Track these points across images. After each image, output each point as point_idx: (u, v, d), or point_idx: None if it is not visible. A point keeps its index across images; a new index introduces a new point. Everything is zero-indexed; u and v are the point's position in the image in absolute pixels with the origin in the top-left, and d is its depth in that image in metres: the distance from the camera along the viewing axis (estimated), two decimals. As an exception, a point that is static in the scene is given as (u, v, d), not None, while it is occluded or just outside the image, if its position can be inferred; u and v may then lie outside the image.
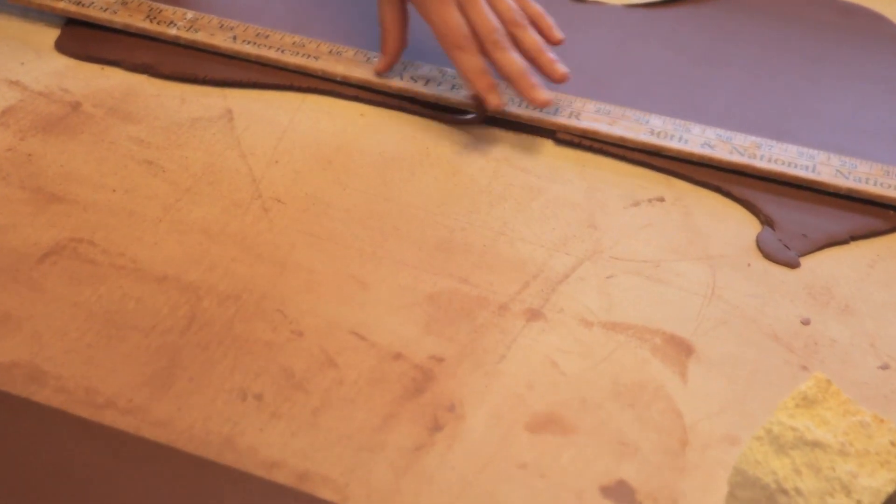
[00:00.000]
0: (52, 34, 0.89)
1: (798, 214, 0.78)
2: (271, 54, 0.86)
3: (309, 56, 0.85)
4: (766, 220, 0.78)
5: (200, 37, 0.87)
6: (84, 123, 0.81)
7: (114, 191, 0.76)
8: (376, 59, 0.85)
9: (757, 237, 0.76)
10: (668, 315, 0.71)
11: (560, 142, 0.83)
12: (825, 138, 0.84)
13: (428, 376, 0.67)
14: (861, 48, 0.93)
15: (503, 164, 0.81)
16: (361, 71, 0.85)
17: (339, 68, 0.85)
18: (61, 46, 0.88)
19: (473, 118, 0.82)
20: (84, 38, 0.87)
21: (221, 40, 0.86)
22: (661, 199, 0.79)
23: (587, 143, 0.82)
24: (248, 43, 0.86)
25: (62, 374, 0.65)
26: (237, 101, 0.84)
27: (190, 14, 0.88)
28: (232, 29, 0.87)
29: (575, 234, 0.76)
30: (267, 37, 0.87)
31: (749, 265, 0.75)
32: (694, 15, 0.95)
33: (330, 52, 0.86)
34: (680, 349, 0.69)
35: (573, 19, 0.93)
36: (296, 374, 0.66)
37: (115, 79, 0.85)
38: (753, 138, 0.82)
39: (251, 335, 0.68)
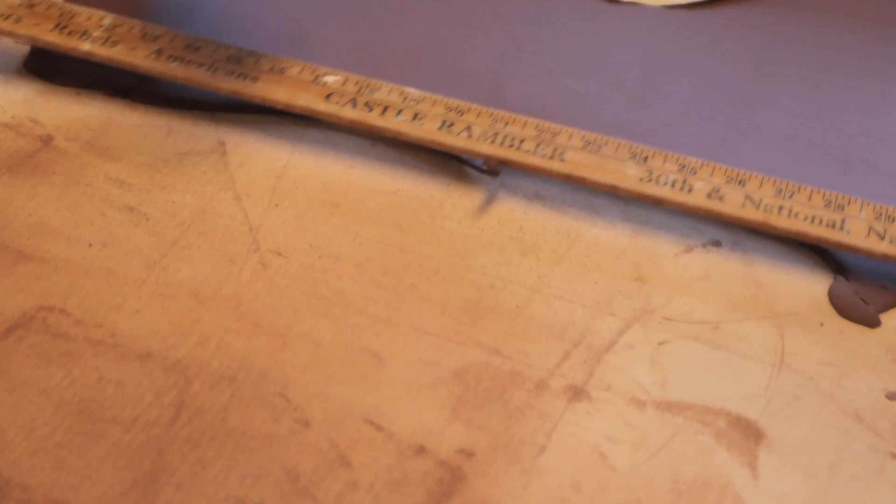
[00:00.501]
0: (19, 52, 0.78)
1: (876, 261, 0.68)
2: (201, 76, 0.71)
3: (245, 77, 0.71)
4: (838, 269, 0.68)
5: (118, 52, 0.72)
6: (56, 161, 0.71)
7: (90, 245, 0.66)
8: (328, 79, 0.71)
9: (829, 290, 0.66)
10: (732, 390, 0.61)
11: (599, 174, 0.72)
12: (900, 166, 0.74)
13: (456, 476, 0.57)
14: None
15: (535, 203, 0.71)
16: (308, 96, 0.70)
17: (280, 93, 0.71)
18: (31, 66, 0.77)
19: (485, 171, 0.71)
20: (57, 56, 0.77)
21: (143, 56, 0.72)
22: (718, 244, 0.69)
23: (630, 176, 0.72)
24: (175, 60, 0.72)
25: (28, 484, 0.56)
26: (231, 131, 0.74)
27: (108, 19, 0.74)
28: (157, 39, 0.73)
29: (620, 290, 0.66)
30: (198, 49, 0.73)
31: (822, 325, 0.65)
32: (743, 15, 0.85)
33: (272, 68, 0.72)
34: (748, 434, 0.59)
35: (606, 22, 0.83)
36: (301, 477, 0.57)
37: (91, 106, 0.75)
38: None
39: (249, 426, 0.58)
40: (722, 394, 0.61)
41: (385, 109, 0.70)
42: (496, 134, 0.69)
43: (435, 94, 0.73)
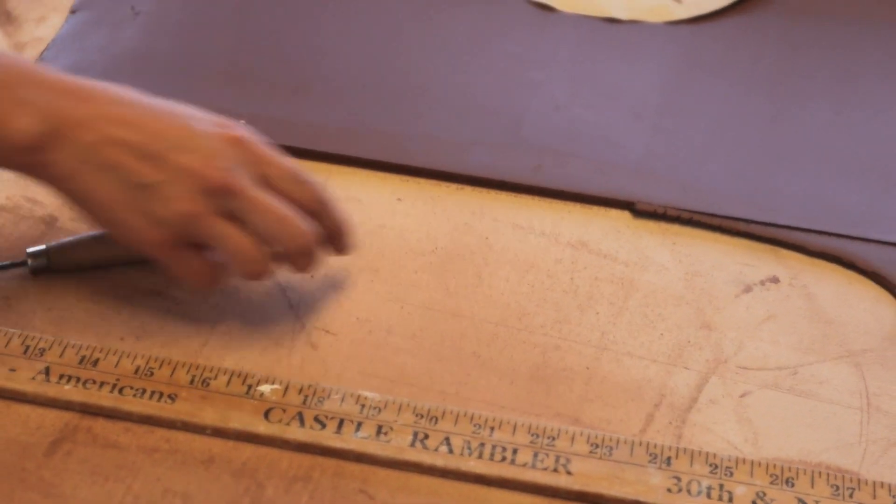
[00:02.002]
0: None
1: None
2: (104, 398, 0.57)
3: (161, 396, 0.58)
4: (904, 299, 0.66)
5: None
6: (65, 245, 0.66)
7: (122, 339, 0.62)
8: (263, 388, 0.58)
9: (899, 321, 0.64)
10: (825, 440, 0.59)
11: (640, 213, 0.70)
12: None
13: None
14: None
15: (581, 251, 0.67)
16: (242, 415, 0.57)
17: (207, 413, 0.57)
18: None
19: None
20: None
21: (26, 379, 0.58)
22: (776, 280, 0.66)
23: (673, 212, 0.69)
24: (69, 380, 0.58)
25: None
26: (246, 195, 0.69)
27: None
28: (43, 353, 0.59)
29: (689, 340, 0.63)
30: (96, 362, 0.59)
31: (900, 360, 0.63)
32: (748, 25, 0.82)
33: (192, 381, 0.58)
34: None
35: (612, 44, 0.80)
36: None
37: (90, 178, 0.69)
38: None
39: (336, 531, 0.54)
40: (816, 445, 0.59)
41: (341, 424, 0.57)
42: (482, 445, 0.56)
43: (456, 137, 0.69)
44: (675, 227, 0.69)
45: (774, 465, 0.57)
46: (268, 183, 0.60)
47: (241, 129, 0.61)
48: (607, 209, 0.70)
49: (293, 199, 0.60)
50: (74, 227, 0.67)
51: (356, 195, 0.70)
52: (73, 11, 0.80)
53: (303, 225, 0.60)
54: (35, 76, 0.59)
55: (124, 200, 0.58)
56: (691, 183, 0.71)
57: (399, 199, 0.70)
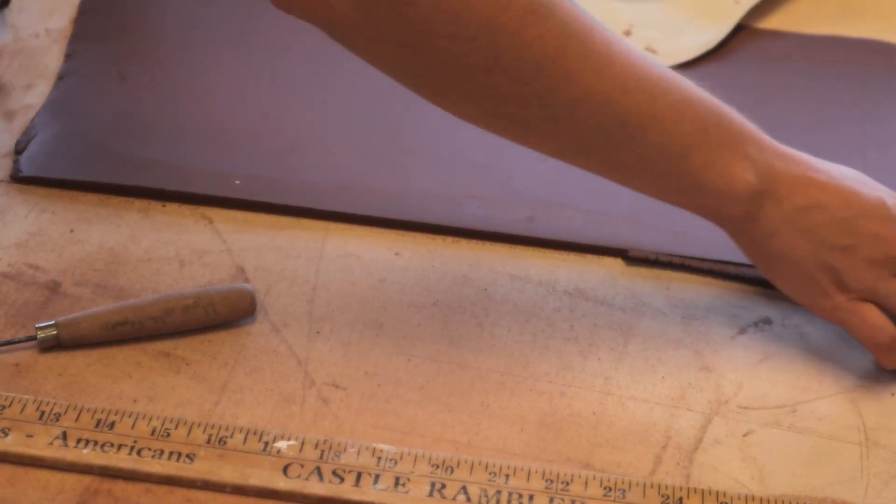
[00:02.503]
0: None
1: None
2: (123, 461, 0.58)
3: (179, 456, 0.58)
4: (891, 333, 0.68)
5: (13, 444, 0.58)
6: (71, 310, 0.66)
7: (134, 401, 0.62)
8: (280, 445, 0.59)
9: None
10: (828, 476, 0.61)
11: (632, 260, 0.71)
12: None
13: None
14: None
15: (578, 298, 0.69)
16: (262, 472, 0.58)
17: (226, 472, 0.58)
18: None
19: None
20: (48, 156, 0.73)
21: (44, 445, 0.58)
22: (768, 321, 0.68)
23: (665, 258, 0.71)
24: (87, 444, 0.59)
25: None
26: (246, 254, 0.70)
27: None
28: (58, 418, 0.59)
29: (690, 382, 0.65)
30: (112, 426, 0.59)
31: (894, 395, 0.65)
32: (723, 73, 0.85)
33: (209, 440, 0.59)
34: (858, 521, 0.59)
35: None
36: None
37: (90, 243, 0.70)
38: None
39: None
40: (820, 480, 0.60)
41: (359, 477, 0.58)
42: (499, 492, 0.57)
43: (449, 192, 0.71)
44: (668, 273, 0.71)
45: (782, 502, 0.58)
46: None
47: None
48: (600, 257, 0.72)
49: None
50: (78, 292, 0.67)
51: (354, 252, 0.71)
52: (60, 78, 0.81)
53: None
54: (755, 136, 0.64)
55: (815, 262, 0.63)
56: (680, 229, 0.72)
57: (397, 254, 0.71)
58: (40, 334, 0.64)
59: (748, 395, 0.64)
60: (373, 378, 0.64)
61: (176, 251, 0.70)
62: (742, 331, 0.68)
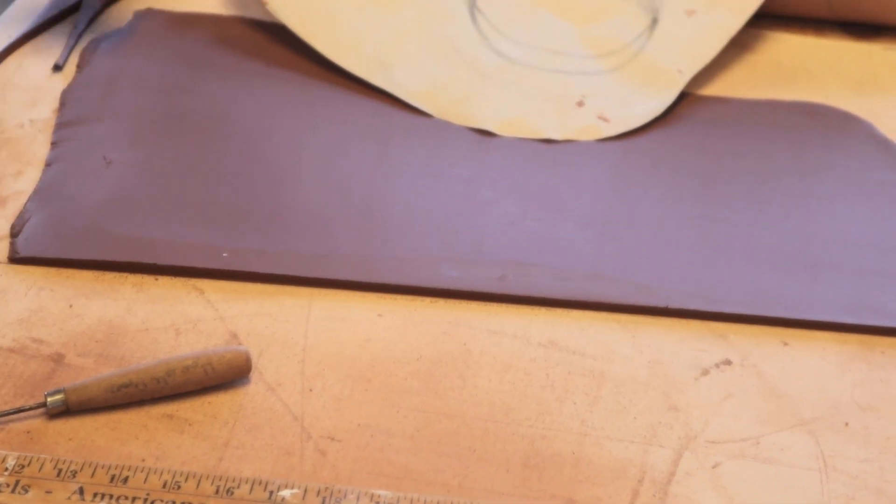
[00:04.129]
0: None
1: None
2: None
3: None
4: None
5: (33, 500, 0.62)
6: (76, 379, 0.70)
7: (143, 460, 0.66)
8: (284, 493, 0.63)
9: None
10: (793, 500, 0.66)
11: (599, 311, 0.77)
12: (861, 262, 0.80)
13: None
14: (847, 153, 0.90)
15: (551, 349, 0.74)
16: None
17: None
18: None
19: None
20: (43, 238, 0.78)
21: (63, 500, 0.62)
22: (728, 363, 0.74)
23: (629, 309, 0.76)
24: (101, 497, 0.62)
25: None
26: (238, 321, 0.74)
27: (12, 459, 0.63)
28: (75, 475, 0.63)
29: (660, 421, 0.70)
30: (126, 480, 0.63)
31: (847, 424, 0.70)
32: (670, 139, 0.91)
33: (217, 490, 0.63)
34: (822, 540, 0.64)
35: (551, 162, 0.88)
36: None
37: (89, 316, 0.74)
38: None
39: None
40: (786, 505, 0.65)
41: None
42: None
43: (425, 255, 0.76)
44: (633, 321, 0.76)
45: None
46: None
47: None
48: (569, 310, 0.77)
49: None
50: (82, 362, 0.71)
51: (339, 315, 0.75)
52: (48, 164, 0.85)
53: None
54: None
55: None
56: (641, 281, 0.78)
57: (380, 315, 0.76)
58: (50, 400, 0.68)
59: (715, 431, 0.69)
60: (365, 430, 0.68)
61: (171, 321, 0.74)
62: (705, 372, 0.73)
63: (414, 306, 0.76)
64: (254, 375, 0.71)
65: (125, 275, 0.77)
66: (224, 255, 0.78)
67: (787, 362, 0.74)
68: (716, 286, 0.78)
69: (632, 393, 0.71)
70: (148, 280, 0.77)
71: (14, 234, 0.79)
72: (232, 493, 0.64)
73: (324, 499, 0.63)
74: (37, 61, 0.96)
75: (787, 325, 0.76)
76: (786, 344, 0.75)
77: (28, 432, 0.67)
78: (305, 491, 0.64)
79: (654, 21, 0.98)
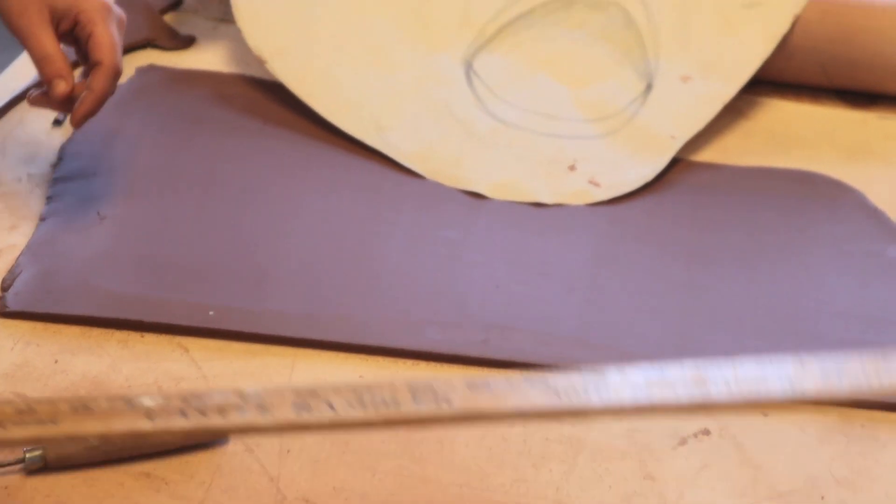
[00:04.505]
0: (-12, 327, 0.78)
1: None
2: None
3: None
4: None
5: None
6: (56, 436, 0.71)
7: (118, 519, 0.67)
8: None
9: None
10: (764, 574, 0.66)
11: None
12: (844, 333, 0.80)
13: None
14: (837, 223, 0.90)
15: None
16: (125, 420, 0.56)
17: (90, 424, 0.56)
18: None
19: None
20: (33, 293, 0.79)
21: None
22: (707, 432, 0.74)
23: (610, 376, 0.76)
24: None
25: None
26: (220, 380, 0.75)
27: None
28: None
29: (635, 491, 0.70)
30: None
31: (823, 497, 0.70)
32: (659, 206, 0.91)
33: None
34: None
35: (541, 226, 0.88)
36: None
37: (74, 372, 0.75)
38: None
39: None
40: (757, 579, 0.65)
41: (223, 411, 0.56)
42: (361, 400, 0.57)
43: (409, 318, 0.77)
44: (613, 389, 0.76)
45: None
46: None
47: None
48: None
49: None
50: (64, 418, 0.72)
51: (321, 375, 0.76)
52: (42, 219, 0.86)
53: None
54: None
55: None
56: (623, 347, 0.78)
57: (361, 377, 0.76)
58: (28, 456, 0.68)
59: (690, 502, 0.69)
60: (340, 493, 0.69)
61: (154, 378, 0.75)
62: (683, 441, 0.73)
63: (396, 368, 0.77)
64: (233, 435, 0.71)
65: (111, 331, 0.78)
66: (210, 313, 0.79)
67: (767, 433, 0.74)
68: (697, 354, 0.77)
69: (608, 461, 0.72)
70: (134, 337, 0.78)
71: (4, 287, 0.80)
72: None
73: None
74: (38, 116, 0.98)
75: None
76: (765, 415, 0.75)
77: (6, 487, 0.68)
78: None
79: (649, 86, 0.99)
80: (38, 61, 0.81)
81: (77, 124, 0.82)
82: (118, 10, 0.84)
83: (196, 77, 1.01)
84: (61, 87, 0.81)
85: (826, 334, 0.80)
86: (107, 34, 0.81)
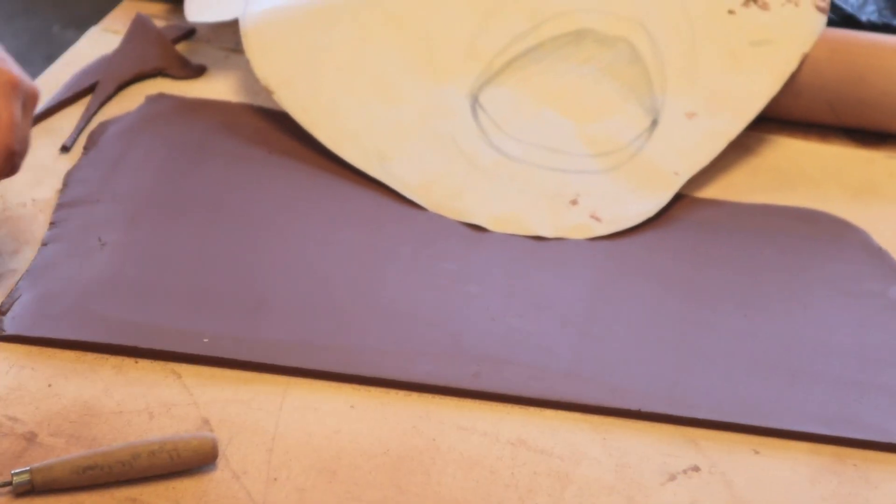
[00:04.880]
0: (-16, 350, 0.79)
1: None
2: None
3: None
4: (811, 480, 0.73)
5: None
6: (46, 458, 0.71)
7: (101, 544, 0.67)
8: None
9: None
10: None
11: (572, 411, 0.77)
12: (841, 372, 0.80)
13: None
14: (839, 262, 0.90)
15: (520, 448, 0.74)
16: None
17: None
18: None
19: None
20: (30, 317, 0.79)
21: None
22: (697, 469, 0.73)
23: (602, 412, 0.76)
24: None
25: None
26: (211, 407, 0.75)
27: None
28: None
29: (622, 526, 0.69)
30: None
31: (811, 537, 0.70)
32: (661, 241, 0.91)
33: None
34: None
35: (540, 260, 0.88)
36: None
37: (66, 396, 0.75)
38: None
39: None
40: None
41: None
42: None
43: (403, 348, 0.78)
44: (605, 423, 0.76)
45: None
46: None
47: None
48: (542, 409, 0.77)
49: None
50: (53, 442, 0.72)
51: (312, 405, 0.76)
52: (44, 244, 0.87)
53: None
54: None
55: None
56: (617, 383, 0.78)
57: (352, 407, 0.76)
58: (15, 479, 0.68)
59: (676, 538, 0.69)
60: (325, 522, 0.69)
61: (146, 404, 0.75)
62: (672, 477, 0.73)
63: (388, 399, 0.77)
64: (221, 462, 0.72)
65: (106, 356, 0.79)
66: (205, 340, 0.79)
67: (757, 471, 0.73)
68: (691, 391, 0.78)
69: (595, 496, 0.71)
70: (128, 362, 0.78)
71: (2, 311, 0.81)
72: None
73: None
74: (46, 142, 0.98)
75: (760, 433, 0.76)
76: (757, 452, 0.75)
77: (-8, 510, 0.68)
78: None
79: (655, 122, 0.99)
80: None
81: None
82: (28, 85, 0.80)
83: (204, 106, 1.02)
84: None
85: (822, 373, 0.80)
86: (4, 113, 0.77)
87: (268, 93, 1.01)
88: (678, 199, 0.95)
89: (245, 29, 1.02)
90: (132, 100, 1.04)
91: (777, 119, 1.05)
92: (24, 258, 0.86)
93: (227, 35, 1.14)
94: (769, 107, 1.01)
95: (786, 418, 0.76)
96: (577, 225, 0.91)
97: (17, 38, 1.39)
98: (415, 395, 0.77)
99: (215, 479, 0.71)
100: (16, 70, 0.79)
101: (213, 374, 0.78)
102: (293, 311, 0.82)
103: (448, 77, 1.01)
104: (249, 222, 0.89)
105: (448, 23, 1.03)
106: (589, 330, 0.82)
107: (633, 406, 0.76)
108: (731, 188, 0.99)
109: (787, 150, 1.04)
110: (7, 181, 0.93)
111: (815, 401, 0.78)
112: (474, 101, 1.00)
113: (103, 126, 0.99)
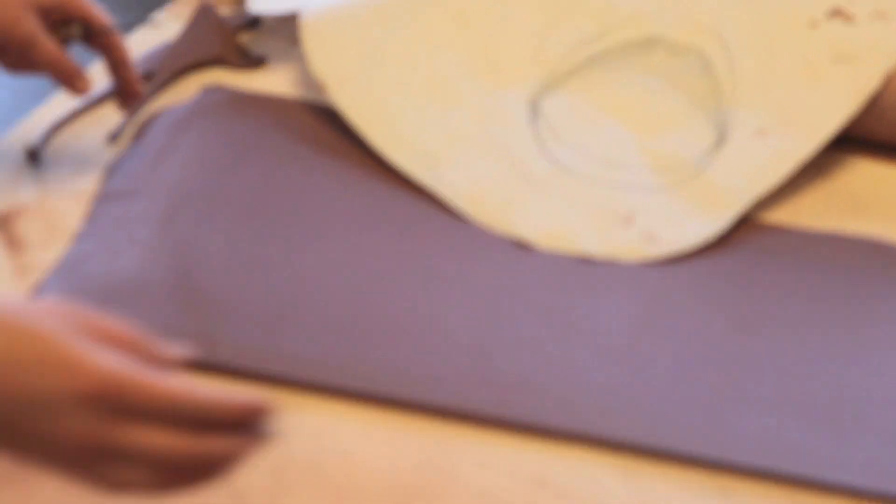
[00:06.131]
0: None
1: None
2: None
3: None
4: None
5: None
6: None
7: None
8: None
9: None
10: None
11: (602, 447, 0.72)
12: (891, 424, 0.74)
13: None
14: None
15: (537, 487, 0.70)
16: None
17: None
18: None
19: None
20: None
21: None
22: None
23: (633, 448, 0.72)
24: None
25: None
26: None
27: None
28: None
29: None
30: None
31: None
32: (717, 266, 0.86)
33: None
34: None
35: (584, 282, 0.84)
36: None
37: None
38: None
39: None
40: None
41: None
42: None
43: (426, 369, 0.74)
44: (633, 464, 0.72)
45: None
46: None
47: None
48: (566, 443, 0.73)
49: None
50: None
51: (325, 422, 0.73)
52: (77, 238, 0.85)
53: None
54: None
55: None
56: (653, 418, 0.73)
57: (366, 425, 0.73)
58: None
59: None
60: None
61: (155, 414, 0.73)
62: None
63: (406, 422, 0.74)
64: (221, 483, 0.69)
65: (121, 360, 0.76)
66: (220, 348, 0.76)
67: (788, 522, 0.69)
68: (727, 432, 0.73)
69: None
70: (143, 368, 0.76)
71: (25, 307, 0.79)
72: None
73: None
74: (96, 132, 0.96)
75: (797, 483, 0.70)
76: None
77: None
78: None
79: (721, 139, 0.94)
80: (48, 66, 0.84)
81: (132, 104, 0.89)
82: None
83: (257, 101, 0.99)
84: (81, 86, 0.85)
85: (871, 423, 0.74)
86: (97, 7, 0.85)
87: (321, 89, 0.98)
88: (741, 222, 0.90)
89: (304, 22, 0.99)
90: (190, 89, 1.02)
91: (857, 140, 0.99)
92: (57, 250, 0.84)
93: (292, 26, 1.11)
94: (849, 127, 0.95)
95: (824, 468, 0.71)
96: (628, 245, 0.87)
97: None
98: (433, 420, 0.74)
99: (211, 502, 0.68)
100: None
101: (223, 385, 0.75)
102: (316, 322, 0.78)
103: (509, 81, 0.97)
104: (284, 227, 0.86)
105: (514, 25, 0.99)
106: (627, 361, 0.77)
107: (663, 444, 0.72)
108: (800, 212, 0.93)
109: (865, 175, 0.98)
110: (47, 169, 0.91)
111: (861, 452, 0.72)
112: (534, 108, 0.96)
113: (154, 116, 0.97)
